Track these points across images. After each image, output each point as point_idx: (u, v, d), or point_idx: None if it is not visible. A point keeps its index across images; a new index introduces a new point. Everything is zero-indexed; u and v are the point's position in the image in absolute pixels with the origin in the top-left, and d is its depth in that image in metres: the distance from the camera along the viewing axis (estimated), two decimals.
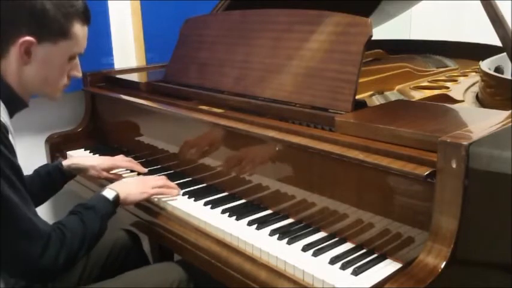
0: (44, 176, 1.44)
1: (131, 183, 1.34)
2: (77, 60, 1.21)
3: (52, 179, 1.45)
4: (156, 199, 1.39)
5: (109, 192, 1.24)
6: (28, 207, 1.02)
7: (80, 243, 1.09)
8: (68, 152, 1.88)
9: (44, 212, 2.00)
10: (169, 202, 1.36)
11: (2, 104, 1.07)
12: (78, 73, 1.21)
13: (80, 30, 1.16)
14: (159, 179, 1.40)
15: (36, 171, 1.45)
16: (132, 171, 1.60)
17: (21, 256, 1.01)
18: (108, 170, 1.54)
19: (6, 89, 1.10)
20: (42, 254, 1.01)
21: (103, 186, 1.59)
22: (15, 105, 1.13)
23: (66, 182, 1.50)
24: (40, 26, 1.09)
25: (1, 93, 1.08)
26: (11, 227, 0.99)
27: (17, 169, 1.02)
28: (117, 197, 1.24)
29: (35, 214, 1.04)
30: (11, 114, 1.11)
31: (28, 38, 1.08)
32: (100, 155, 1.79)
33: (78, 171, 1.52)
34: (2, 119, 1.02)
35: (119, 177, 1.56)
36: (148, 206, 1.39)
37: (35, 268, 1.02)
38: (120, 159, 1.59)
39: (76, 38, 1.15)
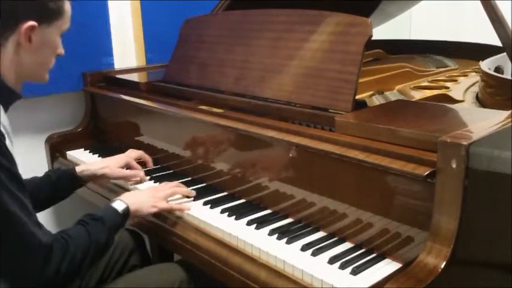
0: (54, 180, 1.40)
1: (142, 196, 1.30)
2: (60, 39, 1.19)
3: (62, 184, 1.41)
4: None
5: (119, 204, 1.20)
6: (29, 218, 0.99)
7: (83, 255, 1.06)
8: (68, 152, 1.87)
9: (46, 212, 2.00)
10: (170, 202, 1.36)
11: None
12: (62, 51, 1.19)
13: (68, 6, 1.15)
14: (170, 188, 1.35)
15: (46, 175, 1.42)
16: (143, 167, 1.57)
17: (21, 271, 0.99)
18: (123, 167, 1.50)
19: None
20: (43, 268, 0.99)
21: (102, 186, 1.61)
22: (9, 98, 1.11)
23: (76, 188, 1.47)
24: (39, 9, 1.08)
25: None
26: (11, 241, 0.97)
27: (16, 177, 0.99)
28: (127, 210, 1.21)
29: (37, 224, 1.01)
30: (6, 108, 1.09)
31: (31, 23, 1.06)
32: (100, 155, 1.79)
33: (92, 176, 1.46)
34: (4, 124, 1.00)
35: (135, 174, 1.51)
36: None
37: (37, 282, 0.99)
38: (131, 156, 1.54)
39: (67, 15, 1.15)
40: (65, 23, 1.15)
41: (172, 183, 1.40)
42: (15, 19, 1.06)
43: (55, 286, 1.03)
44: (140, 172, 1.52)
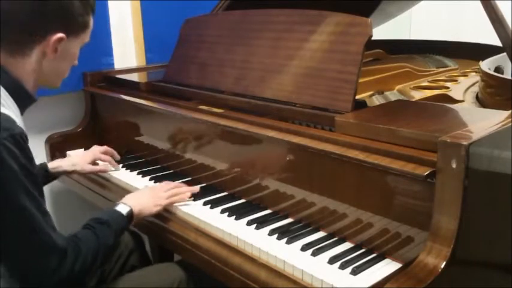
0: None
1: (144, 197, 1.32)
2: None
3: None
4: None
5: (123, 208, 1.23)
6: (47, 221, 1.01)
7: (93, 257, 1.08)
8: (68, 152, 1.87)
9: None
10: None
11: (15, 106, 1.07)
12: (77, 61, 1.22)
13: (92, 21, 1.18)
14: (170, 187, 1.37)
15: None
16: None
17: (37, 270, 1.00)
18: (91, 163, 1.60)
19: (18, 87, 1.09)
20: (58, 268, 1.01)
21: (102, 186, 1.61)
22: (25, 102, 1.13)
23: (48, 182, 1.54)
24: (70, 22, 1.11)
25: (14, 93, 1.07)
26: (30, 241, 0.98)
27: (36, 182, 1.01)
28: (131, 212, 1.23)
29: (53, 228, 1.03)
30: (22, 111, 1.11)
31: (60, 34, 1.09)
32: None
33: (63, 173, 1.56)
34: (21, 126, 1.01)
35: (105, 169, 1.62)
36: None
37: (50, 281, 1.01)
38: (97, 151, 1.64)
39: (90, 28, 1.18)
40: (87, 37, 1.18)
41: (173, 183, 1.41)
42: (46, 30, 1.08)
43: (65, 286, 1.05)
44: (108, 165, 1.63)
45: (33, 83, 1.13)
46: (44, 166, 1.51)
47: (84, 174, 1.64)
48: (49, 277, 1.00)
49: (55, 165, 1.54)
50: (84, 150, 1.88)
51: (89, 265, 1.07)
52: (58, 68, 1.15)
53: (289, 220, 1.24)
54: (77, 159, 1.59)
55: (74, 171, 1.57)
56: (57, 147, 1.93)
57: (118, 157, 1.68)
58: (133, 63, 2.20)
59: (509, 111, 1.11)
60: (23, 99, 1.11)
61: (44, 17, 1.07)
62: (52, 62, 1.12)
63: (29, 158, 1.00)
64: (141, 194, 1.34)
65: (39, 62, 1.10)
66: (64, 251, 1.02)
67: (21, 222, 0.97)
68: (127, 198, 1.28)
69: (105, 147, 1.66)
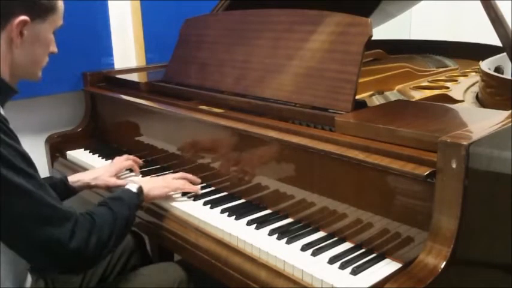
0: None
1: (152, 180, 1.36)
2: (53, 36, 1.18)
3: (56, 192, 1.42)
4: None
5: (132, 186, 1.24)
6: (46, 193, 0.98)
7: (109, 230, 1.06)
8: (68, 152, 1.88)
9: None
10: (170, 202, 1.36)
11: None
12: (55, 49, 1.18)
13: (61, 3, 1.14)
14: (178, 175, 1.41)
15: None
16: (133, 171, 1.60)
17: (49, 243, 0.96)
18: (115, 175, 1.50)
19: None
20: (71, 236, 0.97)
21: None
22: (5, 94, 1.10)
23: (69, 197, 1.44)
24: (32, 4, 1.07)
25: None
26: (32, 215, 0.95)
27: (26, 157, 0.98)
28: (140, 190, 1.24)
29: (56, 199, 1.01)
30: (2, 103, 1.09)
31: (22, 17, 1.05)
32: (100, 156, 1.80)
33: (85, 186, 1.45)
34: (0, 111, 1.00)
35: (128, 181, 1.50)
36: (148, 206, 1.39)
37: (66, 253, 0.98)
38: (120, 161, 1.55)
39: (59, 10, 1.14)
40: (58, 20, 1.14)
41: (178, 173, 1.44)
42: (8, 15, 1.04)
43: (85, 261, 1.03)
44: (129, 178, 1.53)
45: (9, 74, 1.09)
46: (63, 180, 1.41)
47: (106, 188, 1.49)
48: (64, 248, 0.97)
49: (76, 178, 1.44)
50: (84, 150, 1.89)
51: (107, 238, 1.05)
52: (31, 55, 1.11)
53: (289, 220, 1.24)
54: (99, 172, 1.49)
55: (96, 185, 1.46)
56: (57, 147, 1.93)
57: (141, 162, 1.62)
58: (133, 63, 2.21)
59: (509, 111, 1.11)
60: (2, 91, 1.08)
61: (5, 2, 1.03)
62: (23, 48, 1.08)
63: (14, 138, 0.98)
64: (150, 178, 1.40)
65: (10, 50, 1.07)
66: (74, 218, 1.00)
67: (21, 202, 0.94)
68: (136, 180, 1.31)
69: (125, 156, 1.59)
